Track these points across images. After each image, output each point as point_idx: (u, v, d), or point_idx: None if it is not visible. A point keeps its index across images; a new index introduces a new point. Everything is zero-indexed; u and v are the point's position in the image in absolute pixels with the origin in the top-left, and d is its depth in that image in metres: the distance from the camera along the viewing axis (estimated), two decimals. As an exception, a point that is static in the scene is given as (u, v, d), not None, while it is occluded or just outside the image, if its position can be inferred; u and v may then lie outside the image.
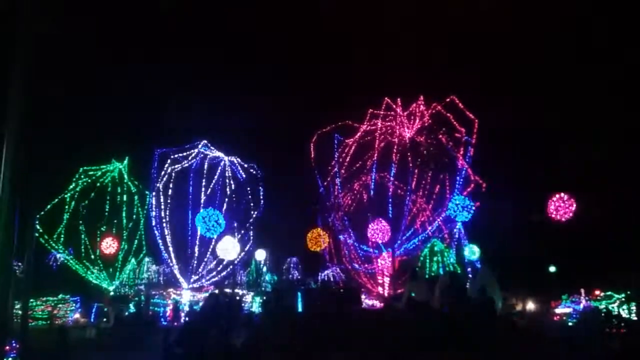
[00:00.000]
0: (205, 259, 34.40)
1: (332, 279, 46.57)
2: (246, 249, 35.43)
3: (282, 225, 40.64)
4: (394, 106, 33.49)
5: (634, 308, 35.60)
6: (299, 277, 49.88)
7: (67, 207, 35.18)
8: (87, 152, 37.31)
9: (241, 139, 40.18)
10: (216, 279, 35.57)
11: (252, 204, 35.70)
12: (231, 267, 36.01)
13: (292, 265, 52.36)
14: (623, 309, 35.92)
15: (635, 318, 33.77)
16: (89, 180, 36.34)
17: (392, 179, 32.25)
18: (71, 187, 35.66)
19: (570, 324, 26.51)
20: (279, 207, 39.94)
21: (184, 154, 34.41)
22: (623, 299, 36.98)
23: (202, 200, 33.68)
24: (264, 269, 47.41)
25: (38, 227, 23.48)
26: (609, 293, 38.55)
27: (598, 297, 39.12)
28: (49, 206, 33.10)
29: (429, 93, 33.50)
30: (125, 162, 37.74)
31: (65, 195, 35.27)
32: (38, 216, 18.75)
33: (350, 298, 13.36)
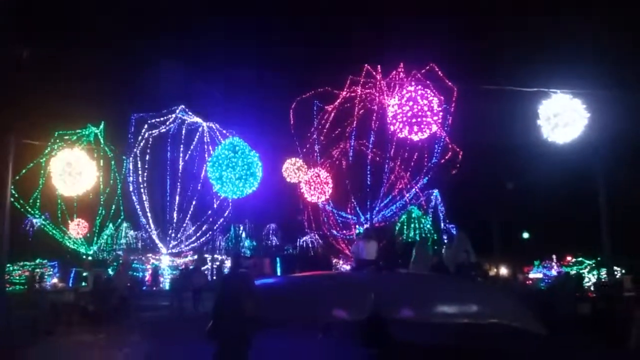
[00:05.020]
0: (184, 225, 34.39)
1: (310, 245, 47.04)
2: (225, 214, 35.45)
3: (261, 192, 40.56)
4: (374, 73, 33.25)
5: (603, 274, 36.65)
6: (277, 243, 50.32)
7: (42, 171, 34.66)
8: (62, 116, 36.51)
9: (220, 102, 39.54)
10: (195, 244, 35.68)
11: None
12: (210, 233, 36.12)
13: (271, 231, 52.69)
14: (593, 274, 36.95)
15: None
16: (65, 145, 35.70)
17: (370, 146, 32.32)
18: (46, 151, 35.05)
19: (542, 288, 27.27)
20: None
21: (162, 119, 33.96)
22: (593, 265, 38.00)
23: (180, 166, 33.49)
24: (243, 234, 47.68)
25: (13, 192, 23.10)
26: (580, 259, 39.61)
27: (569, 263, 40.23)
28: (24, 171, 32.53)
29: (410, 61, 33.25)
30: (102, 126, 37.11)
31: (41, 160, 34.70)
32: (13, 181, 18.48)
33: (320, 263, 14.23)
